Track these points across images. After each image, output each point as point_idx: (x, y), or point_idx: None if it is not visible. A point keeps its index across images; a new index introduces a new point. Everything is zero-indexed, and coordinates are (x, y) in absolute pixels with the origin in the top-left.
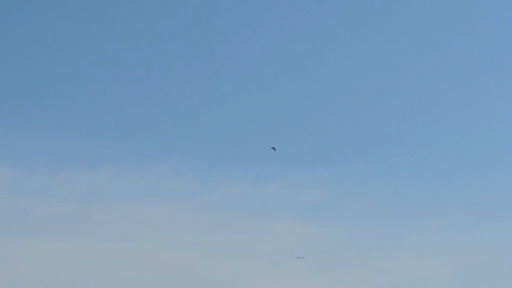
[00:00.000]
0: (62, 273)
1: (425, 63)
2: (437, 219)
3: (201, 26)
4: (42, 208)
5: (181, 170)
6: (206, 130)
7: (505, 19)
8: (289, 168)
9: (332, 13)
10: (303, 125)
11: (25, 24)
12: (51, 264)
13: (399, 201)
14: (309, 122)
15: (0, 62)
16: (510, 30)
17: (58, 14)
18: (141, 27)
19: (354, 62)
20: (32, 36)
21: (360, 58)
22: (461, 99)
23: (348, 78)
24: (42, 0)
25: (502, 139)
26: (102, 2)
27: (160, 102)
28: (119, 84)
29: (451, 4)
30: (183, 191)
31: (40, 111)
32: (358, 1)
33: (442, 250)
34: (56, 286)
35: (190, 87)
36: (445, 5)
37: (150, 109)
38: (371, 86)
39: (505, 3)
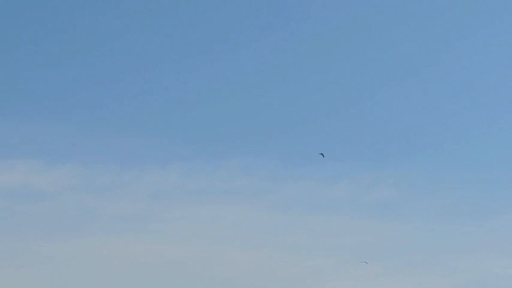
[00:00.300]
0: (130, 272)
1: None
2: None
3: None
4: (111, 207)
5: (250, 168)
6: (276, 128)
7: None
8: (359, 166)
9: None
10: (372, 122)
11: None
12: (119, 263)
13: (470, 199)
14: (378, 120)
15: (73, 62)
16: None
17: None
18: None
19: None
20: (100, 35)
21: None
22: None
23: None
24: None
25: None
26: None
27: (230, 100)
28: (188, 82)
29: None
30: (253, 189)
31: (110, 109)
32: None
33: None
34: (124, 284)
35: (261, 85)
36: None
37: (219, 107)
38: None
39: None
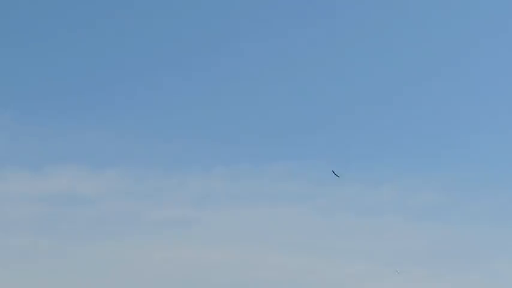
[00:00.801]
0: (175, 277)
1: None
2: None
3: None
4: (155, 211)
5: (295, 171)
6: (322, 131)
7: None
8: (404, 169)
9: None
10: (418, 123)
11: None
12: (163, 267)
13: None
14: (425, 121)
15: (116, 67)
16: None
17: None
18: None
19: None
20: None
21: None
22: None
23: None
24: None
25: None
26: None
27: (275, 101)
28: (231, 85)
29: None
30: (297, 193)
31: (153, 115)
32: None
33: None
34: (166, 287)
35: (306, 86)
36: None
37: (264, 109)
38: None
39: None
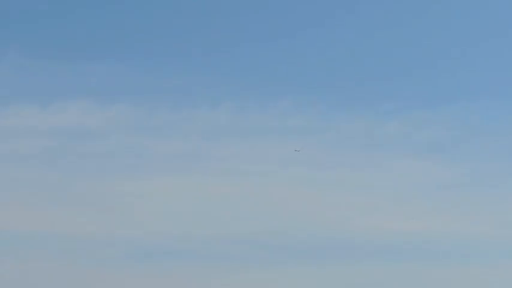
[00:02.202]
0: (182, 208)
1: None
2: None
3: None
4: (164, 145)
5: (301, 107)
6: (327, 67)
7: None
8: (410, 105)
9: None
10: (424, 60)
11: None
12: (172, 200)
13: None
14: (431, 57)
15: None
16: None
17: None
18: None
19: None
20: None
21: None
22: None
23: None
24: None
25: None
26: None
27: (282, 39)
28: (240, 23)
29: None
30: (303, 128)
31: (162, 48)
32: None
33: None
34: (177, 220)
35: (314, 25)
36: None
37: (271, 46)
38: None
39: None
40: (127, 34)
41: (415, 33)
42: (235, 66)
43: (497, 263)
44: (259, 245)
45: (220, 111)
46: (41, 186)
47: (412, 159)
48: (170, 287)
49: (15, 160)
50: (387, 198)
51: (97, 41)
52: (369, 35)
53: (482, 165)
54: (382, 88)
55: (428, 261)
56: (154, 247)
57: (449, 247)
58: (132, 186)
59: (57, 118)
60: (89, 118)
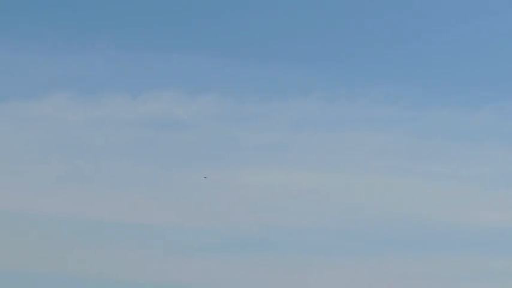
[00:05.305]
0: (271, 200)
1: None
2: None
3: None
4: (252, 136)
5: (392, 95)
6: (419, 54)
7: None
8: (505, 92)
9: None
10: None
11: None
12: (260, 191)
13: None
14: None
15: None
16: None
17: None
18: None
19: None
20: None
21: None
22: None
23: None
24: None
25: None
26: None
27: (372, 26)
28: (333, 11)
29: None
30: (394, 117)
31: (250, 38)
32: None
33: None
34: (266, 212)
35: (403, 9)
36: None
37: (360, 34)
38: None
39: None
40: (215, 25)
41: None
42: (324, 55)
43: None
44: (353, 237)
45: (309, 101)
46: (131, 175)
47: (507, 148)
48: (262, 279)
49: (108, 151)
50: (479, 190)
51: (186, 32)
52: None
53: None
54: (475, 76)
55: None
56: (240, 238)
57: None
58: (220, 177)
59: (147, 108)
60: (178, 108)
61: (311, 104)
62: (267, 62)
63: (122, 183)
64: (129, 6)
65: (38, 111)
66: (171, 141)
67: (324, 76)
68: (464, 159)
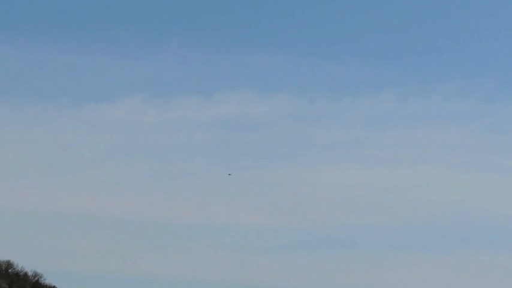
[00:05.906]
0: (347, 196)
1: None
2: None
3: None
4: (325, 134)
5: (465, 90)
6: (493, 49)
7: None
8: None
9: None
10: None
11: None
12: (335, 187)
13: None
14: None
15: None
16: None
17: None
18: None
19: None
20: None
21: None
22: None
23: None
24: None
25: None
26: None
27: (444, 23)
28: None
29: None
30: (467, 113)
31: (321, 37)
32: None
33: None
34: (343, 209)
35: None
36: None
37: (433, 30)
38: None
39: None
40: (285, 25)
41: None
42: (396, 51)
43: None
44: (430, 233)
45: (382, 98)
46: (205, 175)
47: None
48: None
49: (181, 151)
50: None
51: (257, 33)
52: None
53: None
54: None
55: None
56: (318, 236)
57: None
58: (295, 176)
59: (220, 109)
60: (251, 108)
61: (383, 101)
62: (338, 60)
63: (195, 184)
64: (200, 7)
65: (112, 114)
66: (245, 141)
67: (395, 73)
68: None
